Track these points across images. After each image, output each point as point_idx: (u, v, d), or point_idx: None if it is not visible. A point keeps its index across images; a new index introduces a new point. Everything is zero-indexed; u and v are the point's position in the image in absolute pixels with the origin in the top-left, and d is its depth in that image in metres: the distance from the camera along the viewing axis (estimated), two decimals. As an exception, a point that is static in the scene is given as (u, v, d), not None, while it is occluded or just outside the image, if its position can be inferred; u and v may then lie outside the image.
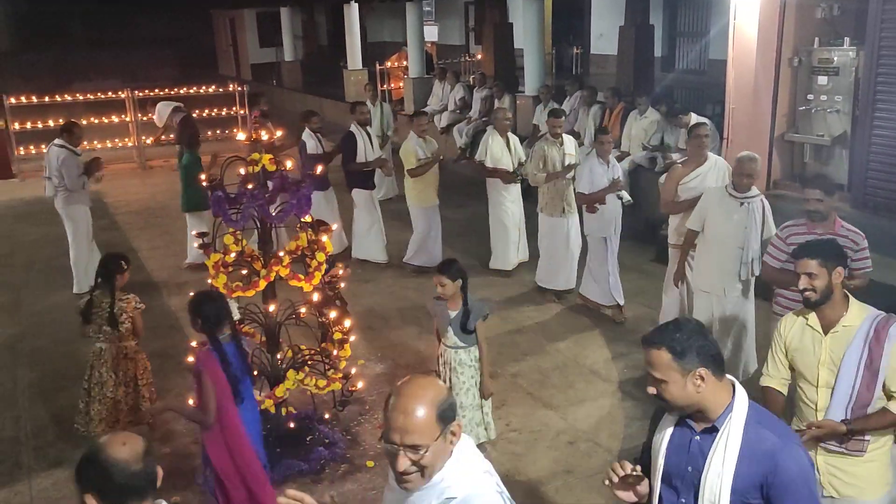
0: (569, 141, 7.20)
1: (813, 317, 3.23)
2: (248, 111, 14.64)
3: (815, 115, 7.58)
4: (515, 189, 7.76)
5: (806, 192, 4.37)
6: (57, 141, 7.65)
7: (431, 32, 18.65)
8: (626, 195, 6.68)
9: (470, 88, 13.17)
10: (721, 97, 8.24)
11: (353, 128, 8.08)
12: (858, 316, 3.15)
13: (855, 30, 7.35)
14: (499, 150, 7.57)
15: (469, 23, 21.45)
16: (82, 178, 7.62)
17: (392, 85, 16.98)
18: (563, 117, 7.35)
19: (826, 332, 3.18)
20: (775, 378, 3.37)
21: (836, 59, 7.35)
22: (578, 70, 17.27)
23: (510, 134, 7.74)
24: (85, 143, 7.78)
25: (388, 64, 17.27)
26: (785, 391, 3.38)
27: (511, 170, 7.58)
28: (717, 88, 9.11)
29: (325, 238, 4.48)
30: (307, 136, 8.24)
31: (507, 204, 7.74)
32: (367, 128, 8.21)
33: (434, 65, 16.08)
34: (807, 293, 3.19)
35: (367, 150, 8.06)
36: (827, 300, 3.17)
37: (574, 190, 6.87)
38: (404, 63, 16.46)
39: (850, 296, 3.22)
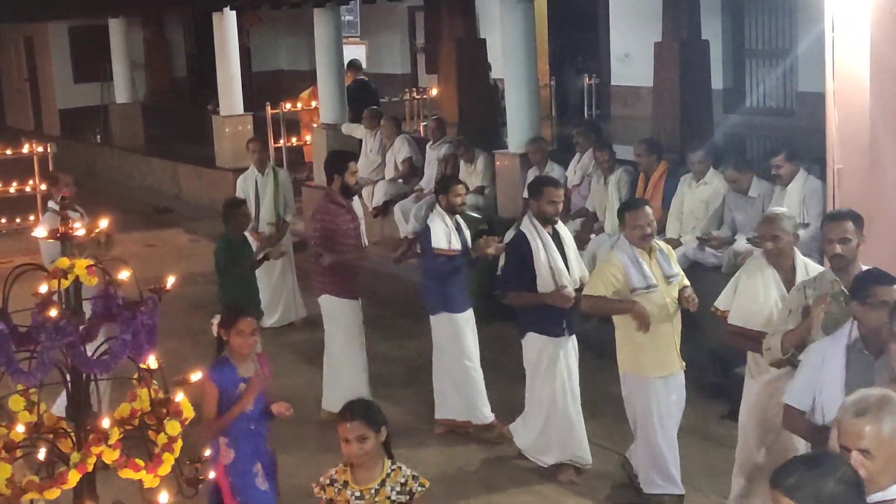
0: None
1: None
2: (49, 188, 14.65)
3: (969, 178, 7.89)
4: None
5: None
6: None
7: (356, 54, 19.07)
8: None
9: (420, 143, 13.50)
10: (820, 151, 8.48)
11: (526, 224, 7.57)
12: None
13: None
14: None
15: (416, 39, 22.04)
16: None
17: (302, 139, 17.25)
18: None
19: None
20: None
21: None
22: (593, 111, 17.73)
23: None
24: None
25: (289, 106, 17.56)
26: None
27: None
28: (813, 136, 9.38)
29: (180, 397, 4.44)
30: (438, 216, 8.18)
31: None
32: (557, 225, 7.60)
33: (377, 99, 16.29)
34: None
35: (552, 262, 7.42)
36: None
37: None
38: (314, 104, 16.77)
39: None
